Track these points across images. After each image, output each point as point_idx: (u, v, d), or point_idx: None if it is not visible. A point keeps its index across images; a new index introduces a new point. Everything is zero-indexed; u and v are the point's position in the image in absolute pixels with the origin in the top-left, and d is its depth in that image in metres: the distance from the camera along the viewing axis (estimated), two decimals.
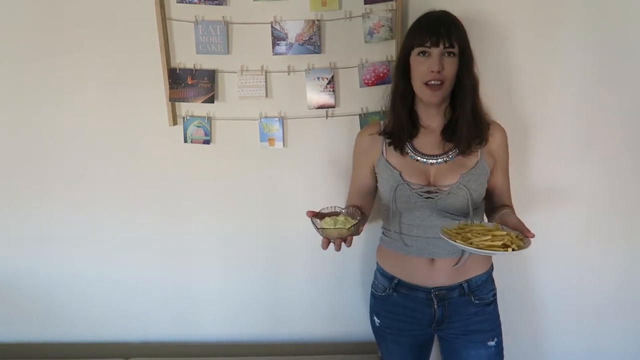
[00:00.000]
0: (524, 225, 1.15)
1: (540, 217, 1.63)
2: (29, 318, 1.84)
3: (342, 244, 1.17)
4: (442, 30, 1.20)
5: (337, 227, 1.16)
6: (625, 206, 1.63)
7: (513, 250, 1.08)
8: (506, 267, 1.63)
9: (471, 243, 1.11)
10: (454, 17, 1.25)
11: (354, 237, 1.18)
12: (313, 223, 1.19)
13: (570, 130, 1.57)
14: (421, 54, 1.23)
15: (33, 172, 1.70)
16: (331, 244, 1.18)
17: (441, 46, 1.20)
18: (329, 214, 1.24)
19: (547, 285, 1.72)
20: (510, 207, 1.38)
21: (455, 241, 1.12)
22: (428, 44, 1.20)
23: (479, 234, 1.14)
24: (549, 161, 1.60)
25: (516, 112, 1.56)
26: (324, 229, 1.16)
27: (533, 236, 1.11)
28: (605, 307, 1.72)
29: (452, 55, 1.21)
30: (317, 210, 1.23)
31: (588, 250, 1.67)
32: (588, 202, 1.63)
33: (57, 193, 1.71)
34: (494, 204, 1.39)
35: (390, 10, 1.48)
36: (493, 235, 1.12)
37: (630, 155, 1.58)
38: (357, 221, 1.19)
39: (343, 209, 1.27)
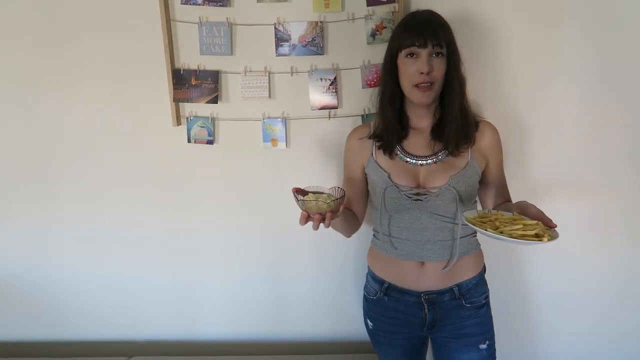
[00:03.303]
0: (545, 215, 1.10)
1: None
2: (33, 316, 1.86)
3: (321, 224, 1.12)
4: (430, 30, 1.19)
5: (318, 200, 1.13)
6: (624, 206, 1.63)
7: (548, 240, 1.03)
8: (504, 269, 1.63)
9: (501, 232, 1.05)
10: (440, 16, 1.25)
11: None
12: (295, 196, 1.16)
13: (570, 130, 1.57)
14: (409, 56, 1.22)
15: (37, 172, 1.71)
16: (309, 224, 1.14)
17: (429, 47, 1.19)
18: (314, 192, 1.20)
19: (544, 286, 1.72)
20: (511, 202, 1.37)
21: (486, 230, 1.07)
22: (417, 44, 1.19)
23: (506, 223, 1.09)
24: (548, 161, 1.60)
25: (515, 112, 1.56)
26: (304, 201, 1.13)
27: (556, 226, 1.07)
28: (603, 308, 1.72)
29: (440, 55, 1.21)
30: (303, 187, 1.20)
31: (586, 251, 1.67)
32: (587, 202, 1.63)
33: (61, 192, 1.73)
34: (497, 200, 1.37)
35: (392, 11, 1.49)
36: (524, 225, 1.06)
37: (630, 155, 1.58)
38: (338, 198, 1.15)
39: (327, 190, 1.23)
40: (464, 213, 1.16)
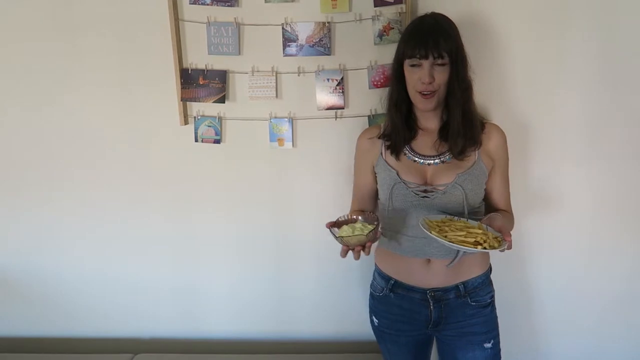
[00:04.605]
0: (507, 230, 1.17)
1: (544, 218, 1.64)
2: (40, 313, 1.87)
3: (362, 252, 1.18)
4: (431, 42, 1.21)
5: (355, 234, 1.17)
6: (629, 208, 1.63)
7: (484, 249, 1.10)
8: (509, 268, 1.63)
9: (445, 236, 1.14)
10: (445, 22, 1.26)
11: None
12: (332, 233, 1.20)
13: (574, 132, 1.57)
14: (413, 65, 1.25)
15: (44, 170, 1.72)
16: (350, 253, 1.20)
17: (430, 58, 1.21)
18: (346, 222, 1.26)
19: (548, 287, 1.72)
20: (508, 212, 1.39)
21: (430, 232, 1.14)
22: (418, 56, 1.22)
23: (456, 229, 1.17)
24: (552, 163, 1.60)
25: (520, 114, 1.56)
26: (342, 237, 1.17)
27: (510, 241, 1.13)
28: (608, 307, 1.72)
29: (443, 64, 1.23)
30: (334, 220, 1.26)
31: (590, 252, 1.67)
32: (591, 203, 1.63)
33: (68, 191, 1.74)
34: (491, 207, 1.39)
35: (399, 12, 1.50)
36: (468, 232, 1.14)
37: (635, 156, 1.58)
38: (374, 226, 1.19)
39: (359, 216, 1.29)
40: (427, 216, 1.23)
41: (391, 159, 1.34)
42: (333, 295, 1.77)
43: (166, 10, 1.53)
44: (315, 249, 1.72)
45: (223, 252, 1.76)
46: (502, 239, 1.14)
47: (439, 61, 1.22)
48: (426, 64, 1.22)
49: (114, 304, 1.84)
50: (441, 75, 1.23)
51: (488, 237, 1.13)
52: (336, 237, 1.18)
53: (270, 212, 1.71)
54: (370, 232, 1.17)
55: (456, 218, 1.25)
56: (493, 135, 1.33)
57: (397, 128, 1.33)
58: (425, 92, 1.24)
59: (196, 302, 1.82)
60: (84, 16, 1.58)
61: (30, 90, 1.66)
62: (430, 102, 1.26)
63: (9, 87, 1.66)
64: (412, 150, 1.33)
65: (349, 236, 1.17)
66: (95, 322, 1.86)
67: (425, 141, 1.34)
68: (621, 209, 1.63)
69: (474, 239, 1.12)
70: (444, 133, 1.31)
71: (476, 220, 1.26)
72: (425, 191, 1.29)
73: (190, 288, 1.81)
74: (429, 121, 1.34)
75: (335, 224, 1.25)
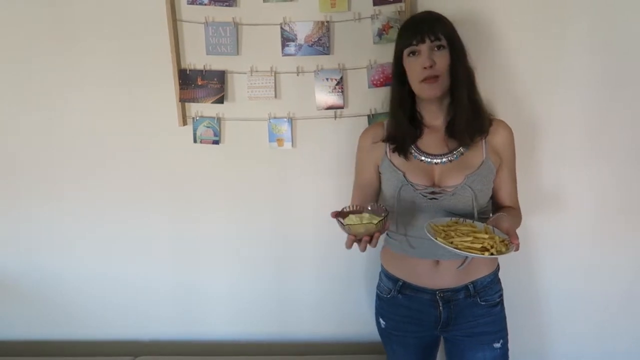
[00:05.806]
0: (514, 232, 1.14)
1: (547, 218, 1.63)
2: (40, 316, 1.87)
3: (368, 245, 1.13)
4: (426, 26, 1.21)
5: (364, 222, 1.13)
6: (633, 208, 1.62)
7: (492, 254, 1.08)
8: (513, 268, 1.62)
9: (452, 242, 1.12)
10: (438, 14, 1.27)
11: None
12: (338, 221, 1.15)
13: (577, 132, 1.56)
14: (411, 54, 1.24)
15: (43, 171, 1.72)
16: (355, 245, 1.15)
17: (427, 41, 1.21)
18: (353, 212, 1.22)
19: (554, 287, 1.71)
20: (515, 208, 1.37)
21: (436, 239, 1.12)
22: (415, 42, 1.22)
23: (462, 233, 1.15)
24: (556, 163, 1.59)
25: (523, 113, 1.55)
26: (350, 225, 1.12)
27: (517, 244, 1.11)
28: (612, 310, 1.71)
29: (441, 48, 1.22)
30: (339, 210, 1.21)
31: (595, 252, 1.66)
32: (596, 203, 1.62)
33: (67, 192, 1.73)
34: (498, 204, 1.38)
35: (399, 11, 1.48)
36: (474, 237, 1.12)
37: (638, 156, 1.57)
38: (383, 217, 1.15)
39: (368, 207, 1.24)
40: (432, 220, 1.21)
41: (397, 159, 1.32)
42: (334, 296, 1.77)
43: (164, 11, 1.52)
44: (316, 249, 1.72)
45: (223, 253, 1.76)
46: (510, 242, 1.12)
47: (437, 44, 1.21)
48: (424, 48, 1.22)
49: (114, 305, 1.84)
50: (441, 60, 1.22)
51: (495, 242, 1.11)
52: (343, 226, 1.13)
53: (270, 212, 1.70)
54: (379, 221, 1.13)
55: (461, 220, 1.22)
56: (500, 131, 1.31)
57: (402, 128, 1.31)
58: (429, 77, 1.22)
59: (196, 302, 1.82)
60: (82, 16, 1.57)
61: (29, 90, 1.65)
62: (435, 88, 1.23)
63: (8, 87, 1.65)
64: (419, 149, 1.31)
65: (358, 224, 1.12)
66: (96, 324, 1.86)
67: (431, 139, 1.32)
68: (624, 209, 1.62)
69: (481, 245, 1.10)
70: (451, 128, 1.29)
71: (484, 220, 1.24)
72: (433, 193, 1.27)
73: (191, 289, 1.80)
74: (435, 118, 1.32)
75: (340, 214, 1.20)
